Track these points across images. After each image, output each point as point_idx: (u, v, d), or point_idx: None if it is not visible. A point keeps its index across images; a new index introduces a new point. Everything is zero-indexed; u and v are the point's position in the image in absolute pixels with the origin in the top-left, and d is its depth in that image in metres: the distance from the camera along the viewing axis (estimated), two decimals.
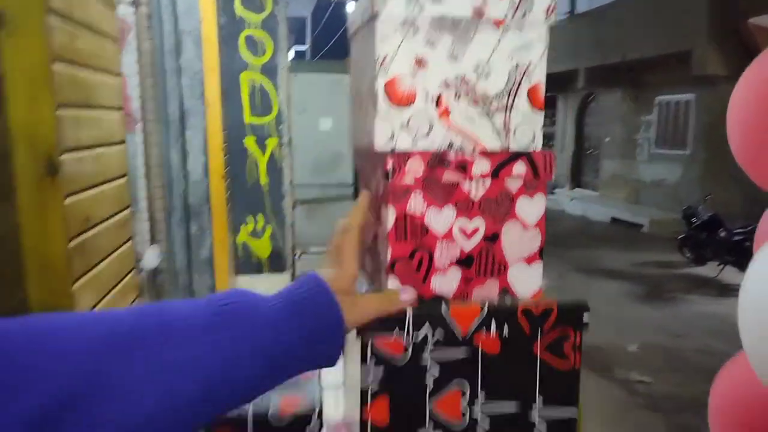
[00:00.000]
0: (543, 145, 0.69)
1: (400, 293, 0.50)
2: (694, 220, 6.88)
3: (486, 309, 0.64)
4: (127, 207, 1.93)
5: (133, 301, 1.87)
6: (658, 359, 4.32)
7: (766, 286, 0.69)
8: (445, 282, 0.66)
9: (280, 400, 0.66)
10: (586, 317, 0.66)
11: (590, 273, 6.53)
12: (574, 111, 12.61)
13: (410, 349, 0.65)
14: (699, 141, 8.69)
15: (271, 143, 6.04)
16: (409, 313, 0.64)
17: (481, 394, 0.67)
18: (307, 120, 5.48)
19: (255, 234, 5.05)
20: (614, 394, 3.80)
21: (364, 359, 0.64)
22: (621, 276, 6.55)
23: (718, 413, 0.89)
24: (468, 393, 0.67)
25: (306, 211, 5.46)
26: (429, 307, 0.65)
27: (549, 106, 12.80)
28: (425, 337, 0.64)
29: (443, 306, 0.64)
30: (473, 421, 0.67)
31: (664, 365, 4.23)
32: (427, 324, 0.64)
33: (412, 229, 0.64)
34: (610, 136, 11.06)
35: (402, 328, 0.64)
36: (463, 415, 0.67)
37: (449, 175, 0.63)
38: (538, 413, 0.68)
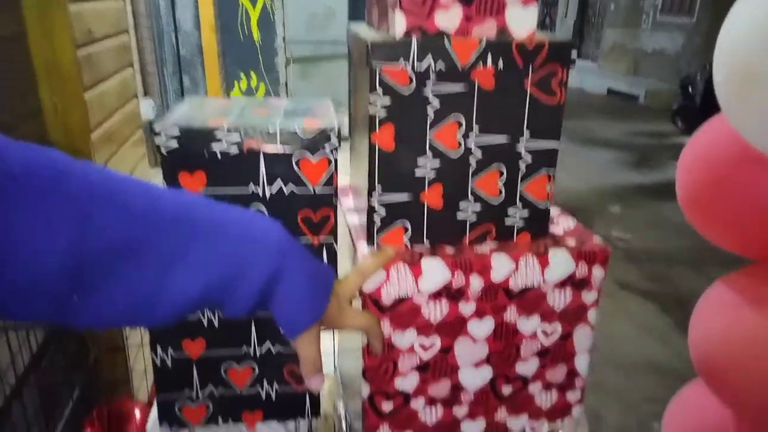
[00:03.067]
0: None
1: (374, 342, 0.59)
2: (690, 90, 6.81)
3: (484, 42, 0.71)
4: (125, 31, 1.92)
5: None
6: (638, 219, 4.52)
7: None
8: (448, 18, 0.72)
9: (303, 121, 0.75)
10: (573, 54, 0.72)
11: (582, 142, 6.60)
12: None
13: (414, 80, 0.72)
14: (706, 9, 8.34)
15: None
16: (414, 44, 0.70)
17: (475, 127, 0.75)
18: None
19: (248, 91, 5.00)
20: None
21: (372, 87, 0.71)
22: (612, 145, 6.63)
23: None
24: (464, 125, 0.75)
25: (299, 70, 5.35)
26: (432, 40, 0.71)
27: None
28: (428, 69, 0.71)
29: (445, 39, 0.70)
30: (467, 151, 0.76)
31: (643, 224, 4.44)
32: (429, 55, 0.70)
33: None
34: (615, 3, 10.55)
35: (407, 59, 0.70)
36: (459, 145, 0.76)
37: None
38: (524, 144, 0.77)
